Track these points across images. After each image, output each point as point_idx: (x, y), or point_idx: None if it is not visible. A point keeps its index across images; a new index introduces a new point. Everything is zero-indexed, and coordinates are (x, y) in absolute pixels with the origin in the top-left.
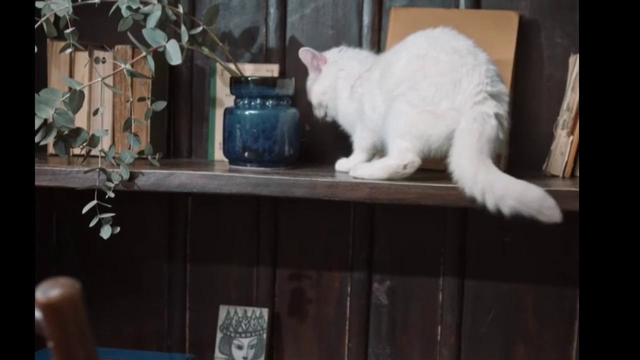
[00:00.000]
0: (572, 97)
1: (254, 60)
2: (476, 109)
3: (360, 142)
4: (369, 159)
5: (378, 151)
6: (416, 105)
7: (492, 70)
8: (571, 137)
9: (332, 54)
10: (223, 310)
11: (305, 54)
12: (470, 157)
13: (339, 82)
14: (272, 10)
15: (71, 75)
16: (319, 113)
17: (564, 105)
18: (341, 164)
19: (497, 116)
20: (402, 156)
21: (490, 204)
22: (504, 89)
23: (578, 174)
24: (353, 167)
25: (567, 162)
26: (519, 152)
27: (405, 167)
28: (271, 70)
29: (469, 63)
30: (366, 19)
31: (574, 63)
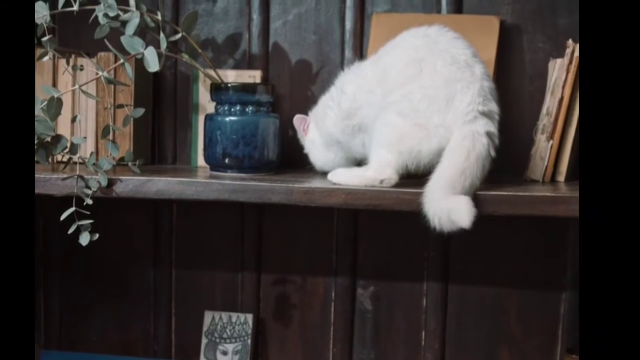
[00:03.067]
0: (551, 102)
1: (237, 66)
2: (466, 128)
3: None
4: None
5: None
6: (407, 116)
7: (486, 88)
8: (551, 142)
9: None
10: (208, 316)
11: (298, 122)
12: (449, 177)
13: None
14: (255, 16)
15: (54, 82)
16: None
17: (544, 110)
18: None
19: (489, 134)
20: (380, 170)
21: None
22: (495, 107)
23: (558, 179)
24: (332, 172)
25: (546, 167)
26: (501, 157)
27: (381, 182)
28: (253, 76)
29: (465, 79)
30: (348, 24)
31: (553, 68)
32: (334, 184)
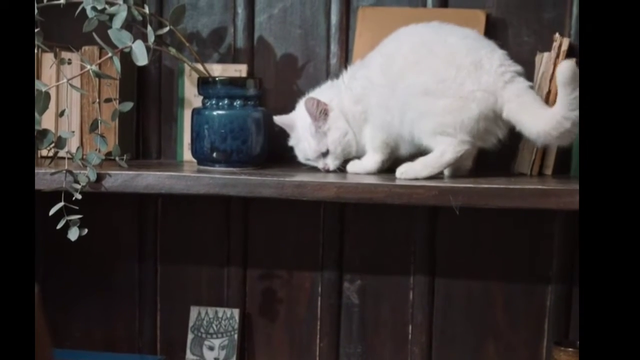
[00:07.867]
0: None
1: (222, 60)
2: (512, 87)
3: (372, 141)
4: (385, 159)
5: (392, 149)
6: (434, 92)
7: (507, 55)
8: None
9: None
10: (194, 311)
11: (311, 103)
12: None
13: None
14: (240, 10)
15: (38, 76)
16: (337, 161)
17: None
18: (354, 165)
19: (532, 88)
20: (451, 149)
21: None
22: (521, 69)
23: (545, 172)
24: (400, 169)
25: (534, 160)
26: (489, 151)
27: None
28: (239, 70)
29: (486, 46)
30: (334, 18)
31: (540, 61)
32: (400, 178)
